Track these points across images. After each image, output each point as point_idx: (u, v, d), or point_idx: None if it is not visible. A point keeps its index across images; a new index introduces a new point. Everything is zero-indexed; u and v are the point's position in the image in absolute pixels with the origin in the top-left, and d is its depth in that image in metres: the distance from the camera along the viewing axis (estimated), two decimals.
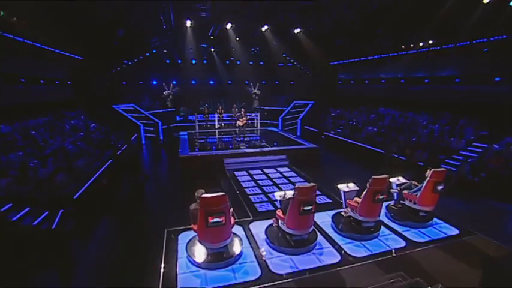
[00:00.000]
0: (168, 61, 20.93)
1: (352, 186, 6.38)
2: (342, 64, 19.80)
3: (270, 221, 5.66)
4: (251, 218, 6.60)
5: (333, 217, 6.28)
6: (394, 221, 6.28)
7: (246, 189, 8.86)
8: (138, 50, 16.85)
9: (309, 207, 4.69)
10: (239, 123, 14.37)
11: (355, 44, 15.48)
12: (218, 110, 18.35)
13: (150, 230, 6.86)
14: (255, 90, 22.64)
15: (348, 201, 5.89)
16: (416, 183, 6.37)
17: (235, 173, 10.60)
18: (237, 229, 5.67)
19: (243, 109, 14.44)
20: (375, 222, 5.61)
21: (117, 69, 18.27)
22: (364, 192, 5.36)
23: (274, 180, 9.74)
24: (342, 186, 6.31)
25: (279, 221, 5.16)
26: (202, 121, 18.83)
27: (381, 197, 5.24)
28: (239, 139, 14.57)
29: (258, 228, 5.81)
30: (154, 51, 16.66)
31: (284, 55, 19.99)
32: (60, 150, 9.88)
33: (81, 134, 13.12)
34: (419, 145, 11.31)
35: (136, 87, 20.69)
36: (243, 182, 9.62)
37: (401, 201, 6.38)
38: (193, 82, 22.36)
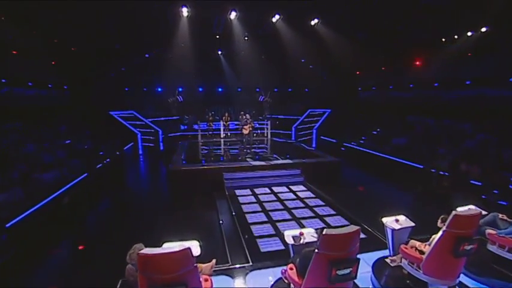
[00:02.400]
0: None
1: (403, 221, 4.26)
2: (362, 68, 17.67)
3: (278, 272, 3.59)
4: (250, 263, 4.52)
5: (374, 266, 4.14)
6: (469, 275, 4.07)
7: (247, 215, 6.78)
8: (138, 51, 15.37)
9: (347, 271, 2.58)
10: (244, 131, 12.39)
11: (381, 41, 13.37)
12: (224, 118, 16.57)
13: (112, 266, 4.90)
14: (266, 98, 20.76)
15: (402, 247, 3.74)
16: (505, 217, 4.16)
17: (237, 191, 8.56)
18: (226, 282, 3.65)
19: (247, 114, 12.49)
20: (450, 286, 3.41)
21: (117, 74, 16.84)
22: (436, 237, 3.22)
23: (286, 203, 7.61)
24: (389, 221, 4.19)
25: (291, 285, 3.06)
26: (206, 130, 17.09)
27: (468, 247, 3.07)
28: (244, 149, 12.58)
29: (261, 282, 3.75)
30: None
31: (303, 60, 17.96)
32: (26, 159, 8.16)
33: (68, 141, 11.52)
34: (471, 159, 8.95)
35: (139, 94, 19.23)
36: (245, 204, 7.56)
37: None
38: (200, 89, 20.76)
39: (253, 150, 12.47)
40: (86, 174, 8.63)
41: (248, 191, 8.57)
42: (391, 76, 15.85)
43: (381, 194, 9.48)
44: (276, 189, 8.77)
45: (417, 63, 13.93)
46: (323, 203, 7.59)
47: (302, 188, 8.95)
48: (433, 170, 9.15)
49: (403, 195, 9.44)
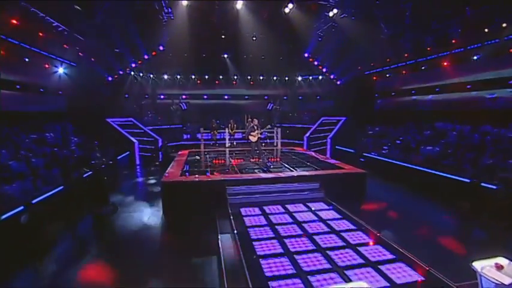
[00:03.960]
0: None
1: (508, 267, 2.65)
2: (380, 72, 16.17)
3: None
4: None
5: None
6: None
7: (254, 244, 5.19)
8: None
9: None
10: (251, 138, 10.86)
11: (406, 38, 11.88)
12: (230, 126, 15.15)
13: None
14: (275, 106, 19.42)
15: None
16: None
17: (243, 209, 7.00)
18: None
19: (255, 119, 11.02)
20: None
21: (117, 79, 15.72)
22: None
23: (305, 226, 6.00)
24: (487, 269, 2.58)
25: None
26: (210, 140, 15.72)
27: None
28: (252, 159, 11.06)
29: None
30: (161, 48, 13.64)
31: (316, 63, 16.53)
32: None
33: (56, 149, 10.20)
34: None
35: (140, 101, 18.09)
36: (252, 227, 5.98)
37: None
38: (204, 96, 19.54)
39: (261, 160, 10.97)
40: (61, 187, 7.22)
41: (256, 210, 7.00)
42: (413, 79, 14.28)
43: (420, 213, 7.84)
44: (291, 207, 7.18)
45: (445, 63, 12.37)
46: (353, 227, 5.95)
47: (323, 205, 7.33)
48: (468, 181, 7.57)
49: (446, 213, 7.79)
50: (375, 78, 16.68)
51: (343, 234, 5.59)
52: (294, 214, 6.77)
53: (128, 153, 13.56)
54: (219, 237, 5.65)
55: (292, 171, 9.17)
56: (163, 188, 7.81)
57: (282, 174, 8.58)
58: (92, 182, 8.04)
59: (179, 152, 12.91)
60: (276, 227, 5.97)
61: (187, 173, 8.86)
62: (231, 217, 6.45)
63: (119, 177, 11.42)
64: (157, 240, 6.40)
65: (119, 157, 12.39)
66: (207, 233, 6.18)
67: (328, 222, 6.21)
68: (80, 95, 13.76)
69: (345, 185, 8.46)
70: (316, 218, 6.48)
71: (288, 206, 7.27)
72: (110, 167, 10.88)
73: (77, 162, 9.52)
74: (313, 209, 7.13)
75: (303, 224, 6.09)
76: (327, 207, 7.25)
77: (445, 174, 9.13)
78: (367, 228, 5.75)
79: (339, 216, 6.56)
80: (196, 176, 8.33)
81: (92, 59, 13.22)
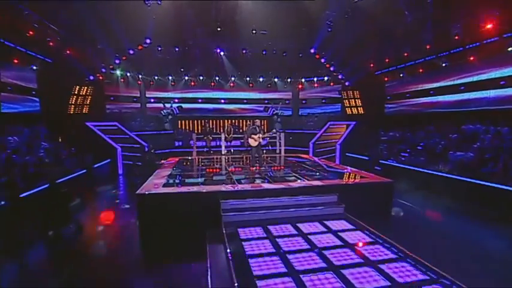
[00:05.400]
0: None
1: None
2: (392, 72, 14.70)
3: None
4: None
5: None
6: None
7: (258, 283, 3.45)
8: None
9: None
10: (251, 142, 9.19)
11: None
12: (226, 130, 13.55)
13: None
14: (276, 111, 17.89)
15: None
16: None
17: (241, 230, 5.25)
18: None
19: (257, 120, 9.35)
20: None
21: (101, 79, 14.12)
22: None
23: (327, 254, 4.26)
24: None
25: None
26: (204, 147, 14.10)
27: None
28: (252, 167, 9.38)
29: None
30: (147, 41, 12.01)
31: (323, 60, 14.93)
32: None
33: (14, 156, 8.48)
34: None
35: (127, 104, 16.48)
36: (255, 257, 4.22)
37: None
38: (199, 100, 17.97)
39: (263, 168, 9.29)
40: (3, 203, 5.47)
41: (259, 231, 5.25)
42: (432, 77, 12.78)
43: (466, 232, 6.16)
44: (304, 227, 5.44)
45: (472, 57, 10.89)
46: (393, 255, 4.22)
47: (346, 224, 5.59)
48: None
49: (497, 229, 6.12)
50: (386, 79, 15.22)
51: (381, 267, 3.86)
52: (309, 237, 5.03)
53: (108, 160, 11.82)
54: (209, 272, 3.92)
55: (301, 179, 7.48)
56: (140, 202, 6.06)
57: (291, 185, 6.88)
58: (49, 196, 6.27)
59: (163, 161, 11.14)
60: (289, 256, 4.22)
61: (179, 184, 7.15)
62: (226, 241, 4.72)
63: (94, 188, 9.66)
64: (128, 274, 4.65)
65: (95, 165, 10.63)
66: (194, 262, 4.46)
67: (358, 248, 4.48)
68: (57, 96, 12.14)
69: (368, 197, 6.82)
70: (340, 242, 4.75)
71: (300, 226, 5.53)
72: (86, 177, 9.17)
73: (36, 172, 7.77)
74: (333, 229, 5.40)
75: (325, 252, 4.35)
76: (351, 226, 5.52)
77: (486, 183, 7.54)
78: (411, 256, 4.05)
79: (370, 240, 4.83)
80: (183, 186, 6.63)
81: (71, 55, 11.60)
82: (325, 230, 5.38)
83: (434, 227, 6.67)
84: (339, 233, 5.18)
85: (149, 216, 5.90)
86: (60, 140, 11.41)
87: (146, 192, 6.19)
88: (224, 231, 5.18)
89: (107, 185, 10.20)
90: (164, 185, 6.89)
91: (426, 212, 7.63)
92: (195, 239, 5.48)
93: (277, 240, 4.87)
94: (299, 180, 7.41)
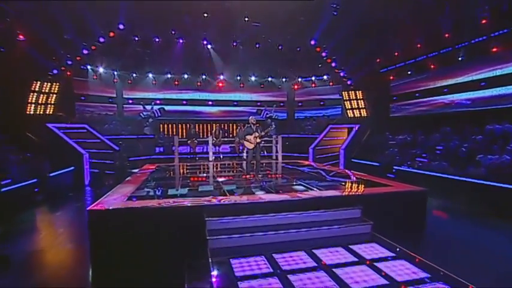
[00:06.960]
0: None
1: None
2: (398, 69, 13.35)
3: None
4: None
5: None
6: None
7: None
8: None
9: None
10: (247, 144, 7.45)
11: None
12: (215, 132, 11.83)
13: None
14: (270, 114, 16.33)
15: None
16: None
17: (234, 262, 3.47)
18: None
19: (252, 117, 7.65)
20: None
21: (67, 74, 12.16)
22: None
23: None
24: None
25: None
26: (188, 153, 12.29)
27: None
28: (248, 174, 7.65)
29: None
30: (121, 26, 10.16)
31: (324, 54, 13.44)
32: None
33: None
34: None
35: (99, 104, 14.55)
36: None
37: None
38: (183, 102, 16.20)
39: (261, 175, 7.57)
40: None
41: (262, 263, 3.49)
42: (446, 74, 11.47)
43: None
44: (324, 255, 3.71)
45: (494, 49, 9.64)
46: None
47: (379, 249, 3.90)
48: None
49: None
50: (392, 77, 13.89)
51: None
52: (335, 271, 3.31)
53: (72, 168, 9.82)
54: None
55: (312, 189, 5.79)
56: (92, 221, 4.21)
57: (299, 195, 5.18)
58: None
59: (136, 170, 9.22)
60: None
61: (152, 197, 5.34)
62: (213, 281, 2.95)
63: (45, 203, 7.68)
64: None
65: (52, 174, 8.63)
66: None
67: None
68: (10, 93, 10.14)
69: (398, 210, 5.19)
70: (384, 280, 3.04)
71: (318, 253, 3.81)
72: (39, 187, 7.23)
73: None
74: (366, 257, 3.70)
75: None
76: (386, 251, 3.83)
77: None
78: None
79: (423, 274, 3.15)
80: (155, 200, 4.83)
81: (26, 41, 9.67)
82: (354, 259, 3.68)
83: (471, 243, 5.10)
84: (375, 263, 3.50)
85: (105, 241, 4.07)
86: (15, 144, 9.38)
87: (103, 208, 4.35)
88: (211, 263, 3.42)
89: (59, 198, 8.22)
90: (129, 199, 5.06)
91: (459, 225, 6.12)
92: (168, 275, 3.76)
93: (290, 278, 3.15)
94: (310, 190, 5.71)
